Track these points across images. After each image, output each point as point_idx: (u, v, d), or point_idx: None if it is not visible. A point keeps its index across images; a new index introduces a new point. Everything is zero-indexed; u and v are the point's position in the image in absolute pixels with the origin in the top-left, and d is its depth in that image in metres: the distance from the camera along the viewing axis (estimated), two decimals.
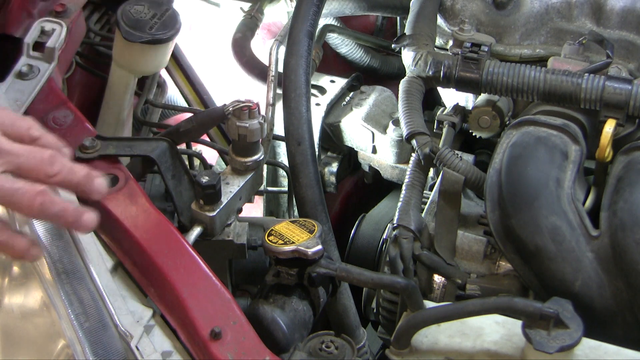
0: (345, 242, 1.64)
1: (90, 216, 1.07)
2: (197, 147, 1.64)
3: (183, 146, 1.49)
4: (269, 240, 1.17)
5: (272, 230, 1.19)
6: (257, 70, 1.85)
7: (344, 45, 2.03)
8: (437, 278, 1.32)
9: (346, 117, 1.78)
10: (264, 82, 1.58)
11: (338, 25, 1.99)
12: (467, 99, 1.55)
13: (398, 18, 2.02)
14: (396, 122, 1.69)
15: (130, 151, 1.28)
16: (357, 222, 1.68)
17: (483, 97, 1.46)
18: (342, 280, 1.18)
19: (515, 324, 1.10)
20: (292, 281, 1.17)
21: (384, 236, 1.56)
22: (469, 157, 1.52)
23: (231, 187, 1.30)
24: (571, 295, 1.14)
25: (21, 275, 1.16)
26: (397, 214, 1.34)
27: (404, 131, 1.38)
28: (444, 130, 1.44)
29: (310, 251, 1.15)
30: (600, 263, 1.17)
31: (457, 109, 1.47)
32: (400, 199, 1.36)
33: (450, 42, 1.46)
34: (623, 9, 1.43)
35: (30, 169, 1.04)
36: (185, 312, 1.06)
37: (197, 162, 1.59)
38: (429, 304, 1.15)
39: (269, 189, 1.84)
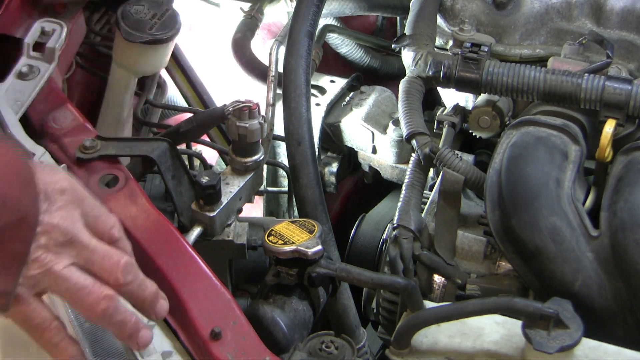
0: (345, 242, 1.64)
1: (146, 334, 1.01)
2: (197, 147, 1.64)
3: (183, 146, 1.49)
4: (269, 240, 1.17)
5: (272, 230, 1.19)
6: (257, 70, 1.85)
7: (344, 45, 2.03)
8: (437, 278, 1.32)
9: (346, 117, 1.78)
10: (264, 82, 1.58)
11: (338, 25, 1.99)
12: (467, 99, 1.55)
13: (398, 18, 2.02)
14: (396, 122, 1.69)
15: (131, 151, 1.28)
16: (357, 222, 1.68)
17: (483, 97, 1.46)
18: (342, 280, 1.18)
19: (515, 324, 1.10)
20: (292, 281, 1.17)
21: (384, 236, 1.55)
22: (469, 157, 1.52)
23: (231, 187, 1.30)
24: (571, 295, 1.14)
25: None
26: (397, 214, 1.34)
27: (404, 131, 1.38)
28: (444, 130, 1.44)
29: (310, 251, 1.15)
30: (600, 263, 1.17)
31: (457, 109, 1.47)
32: (400, 199, 1.36)
33: (450, 42, 1.46)
34: (623, 9, 1.44)
35: (103, 269, 0.98)
36: (185, 312, 1.07)
37: (197, 162, 1.59)
38: (429, 304, 1.15)
39: (269, 189, 1.84)
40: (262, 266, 1.36)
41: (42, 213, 0.95)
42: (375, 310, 1.39)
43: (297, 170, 1.36)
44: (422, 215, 1.37)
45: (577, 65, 1.36)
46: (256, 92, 1.78)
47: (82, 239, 0.97)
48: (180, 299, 1.08)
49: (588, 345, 1.07)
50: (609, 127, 1.27)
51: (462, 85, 1.38)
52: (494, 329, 1.13)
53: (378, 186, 1.86)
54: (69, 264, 0.96)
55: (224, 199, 1.27)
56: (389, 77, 2.07)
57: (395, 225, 1.32)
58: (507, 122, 1.45)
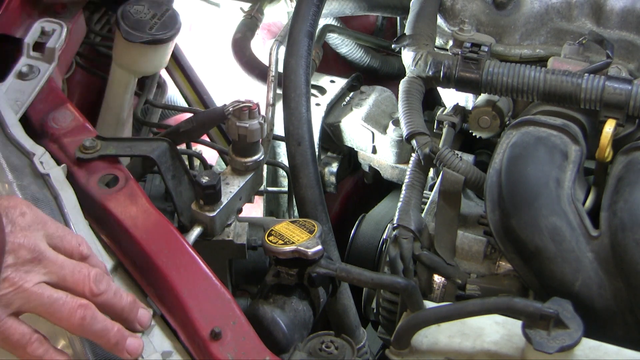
0: (345, 242, 1.64)
1: (135, 342, 1.01)
2: (197, 147, 1.64)
3: (183, 146, 1.49)
4: (269, 240, 1.17)
5: (272, 230, 1.19)
6: (257, 70, 1.85)
7: (344, 45, 2.03)
8: (437, 278, 1.32)
9: (346, 117, 1.78)
10: (264, 82, 1.58)
11: (338, 25, 1.99)
12: (467, 99, 1.55)
13: (398, 18, 2.02)
14: (396, 122, 1.69)
15: (131, 151, 1.28)
16: (357, 222, 1.68)
17: (483, 97, 1.46)
18: (342, 280, 1.18)
19: (515, 324, 1.10)
20: (292, 281, 1.17)
21: (384, 236, 1.56)
22: (469, 157, 1.52)
23: (231, 187, 1.30)
24: (571, 295, 1.14)
25: None
26: (397, 214, 1.34)
27: (404, 131, 1.38)
28: (444, 130, 1.44)
29: (310, 251, 1.15)
30: (600, 263, 1.17)
31: (457, 109, 1.47)
32: (400, 199, 1.36)
33: (450, 42, 1.46)
34: (623, 9, 1.44)
35: (75, 283, 0.99)
36: (185, 312, 1.06)
37: (197, 162, 1.59)
38: (429, 304, 1.15)
39: (269, 189, 1.84)
40: (262, 266, 1.36)
41: (6, 234, 0.96)
42: (375, 310, 1.39)
43: (297, 170, 1.36)
44: (422, 215, 1.37)
45: (577, 65, 1.36)
46: (256, 92, 1.78)
47: (49, 256, 0.98)
48: (180, 299, 1.08)
49: (588, 345, 1.07)
50: (609, 127, 1.27)
51: (462, 85, 1.38)
52: (494, 329, 1.13)
53: (378, 186, 1.86)
54: (40, 282, 0.97)
55: (224, 199, 1.27)
56: (389, 77, 2.07)
57: (395, 225, 1.32)
58: (507, 122, 1.45)
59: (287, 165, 1.39)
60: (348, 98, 1.83)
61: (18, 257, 0.96)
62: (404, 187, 1.38)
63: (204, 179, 1.22)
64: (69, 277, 0.99)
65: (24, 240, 0.97)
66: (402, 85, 1.44)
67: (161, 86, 1.78)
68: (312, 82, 1.79)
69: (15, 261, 0.96)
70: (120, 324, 1.02)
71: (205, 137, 1.65)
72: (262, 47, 1.99)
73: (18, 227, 0.98)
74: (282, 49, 1.48)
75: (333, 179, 1.83)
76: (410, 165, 1.40)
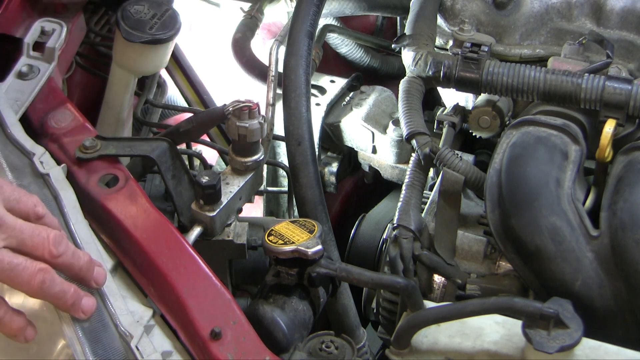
0: (345, 242, 1.64)
1: (89, 301, 1.04)
2: (197, 147, 1.64)
3: (183, 146, 1.49)
4: (269, 240, 1.17)
5: (272, 230, 1.19)
6: (257, 70, 1.85)
7: (344, 45, 2.03)
8: (437, 278, 1.32)
9: (346, 117, 1.78)
10: (264, 82, 1.58)
11: (338, 25, 1.99)
12: (467, 99, 1.55)
13: (398, 18, 2.02)
14: (396, 122, 1.69)
15: (131, 151, 1.28)
16: (357, 222, 1.68)
17: (483, 97, 1.46)
18: (342, 280, 1.18)
19: (515, 324, 1.10)
20: (292, 281, 1.17)
21: (384, 236, 1.56)
22: (469, 157, 1.52)
23: (231, 187, 1.30)
24: (571, 295, 1.14)
25: None
26: (397, 214, 1.34)
27: (404, 131, 1.38)
28: (444, 130, 1.44)
29: (310, 251, 1.15)
30: (600, 263, 1.17)
31: (457, 109, 1.47)
32: (400, 199, 1.36)
33: (450, 42, 1.46)
34: (623, 9, 1.44)
35: (34, 247, 1.01)
36: (185, 312, 1.07)
37: (197, 162, 1.59)
38: (429, 304, 1.15)
39: (269, 189, 1.84)
40: (262, 266, 1.36)
41: None
42: (375, 310, 1.39)
43: (297, 170, 1.36)
44: (422, 215, 1.37)
45: (577, 65, 1.36)
46: (256, 92, 1.78)
47: (8, 222, 0.99)
48: (180, 298, 1.08)
49: (588, 345, 1.07)
50: (609, 127, 1.27)
51: (462, 85, 1.38)
52: (494, 329, 1.13)
53: (378, 186, 1.86)
54: (0, 247, 0.98)
55: (224, 199, 1.27)
56: (389, 77, 2.08)
57: (395, 225, 1.32)
58: (507, 122, 1.45)
59: (287, 165, 1.39)
60: (348, 98, 1.83)
61: None
62: (404, 187, 1.38)
63: (204, 179, 1.22)
64: (29, 241, 1.00)
65: None
66: (402, 85, 1.44)
67: (161, 86, 1.78)
68: (312, 82, 1.79)
69: None
70: (75, 285, 1.04)
71: (205, 137, 1.65)
72: (262, 47, 2.00)
73: None
74: (282, 49, 1.48)
75: (333, 179, 1.83)
76: (410, 165, 1.40)
